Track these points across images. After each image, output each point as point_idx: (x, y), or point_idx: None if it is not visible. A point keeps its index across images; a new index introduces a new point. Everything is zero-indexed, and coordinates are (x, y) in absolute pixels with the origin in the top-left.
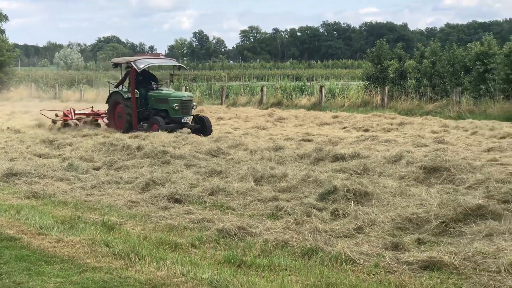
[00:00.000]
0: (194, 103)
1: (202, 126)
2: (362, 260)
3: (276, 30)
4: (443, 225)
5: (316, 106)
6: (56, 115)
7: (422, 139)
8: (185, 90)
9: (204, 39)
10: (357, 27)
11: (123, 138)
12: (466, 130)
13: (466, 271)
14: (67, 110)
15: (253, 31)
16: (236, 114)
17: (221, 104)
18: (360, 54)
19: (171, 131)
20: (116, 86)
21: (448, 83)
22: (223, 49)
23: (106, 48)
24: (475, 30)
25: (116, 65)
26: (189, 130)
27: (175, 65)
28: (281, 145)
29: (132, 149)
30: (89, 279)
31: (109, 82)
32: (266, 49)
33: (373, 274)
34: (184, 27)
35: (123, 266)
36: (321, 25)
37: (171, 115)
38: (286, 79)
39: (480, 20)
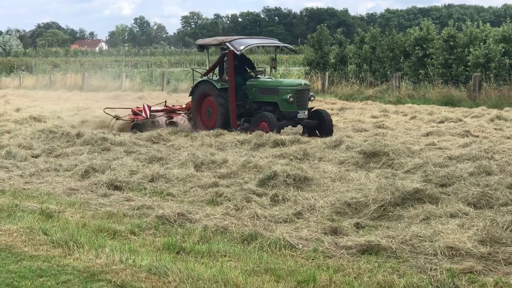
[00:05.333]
0: (312, 93)
1: (320, 123)
2: (301, 245)
3: (217, 16)
4: (382, 209)
5: None
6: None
7: (362, 124)
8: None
9: (145, 25)
10: (298, 12)
11: (63, 125)
12: (406, 115)
13: (403, 254)
14: (137, 107)
15: (194, 16)
16: (177, 100)
17: (162, 90)
18: (301, 39)
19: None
20: (205, 74)
21: (388, 68)
22: (164, 35)
23: (46, 34)
24: (414, 15)
25: (202, 47)
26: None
27: (278, 46)
28: (222, 131)
29: (71, 136)
30: (27, 267)
31: (193, 70)
32: (207, 35)
33: (312, 259)
34: (125, 13)
35: (61, 254)
36: (262, 10)
37: (283, 109)
38: None
39: (419, 5)
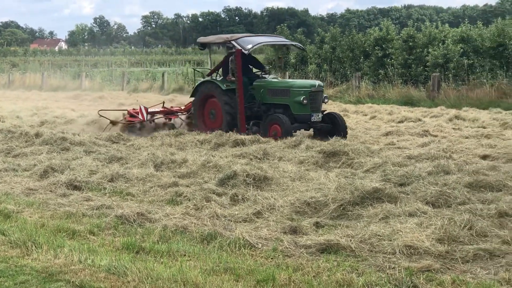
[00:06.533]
0: (325, 95)
1: (333, 126)
2: (260, 245)
3: (177, 16)
4: (341, 208)
5: None
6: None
7: None
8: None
9: (105, 24)
10: (259, 12)
11: (21, 125)
12: (366, 115)
13: (362, 253)
14: (133, 109)
15: (155, 16)
16: (137, 100)
17: (122, 90)
18: None
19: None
20: (209, 75)
21: (348, 68)
22: (124, 35)
23: (4, 34)
24: (374, 16)
25: (203, 45)
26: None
27: (285, 45)
28: (181, 130)
29: (30, 136)
30: None
31: (194, 69)
32: (168, 35)
33: (271, 258)
34: (85, 12)
35: (19, 255)
36: (222, 10)
37: (295, 112)
38: (188, 65)
39: (379, 6)
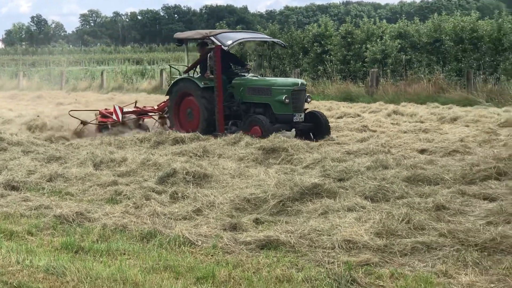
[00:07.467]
0: (308, 94)
1: (316, 126)
2: (200, 242)
3: (116, 14)
4: (280, 204)
5: (157, 90)
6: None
7: None
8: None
9: (42, 23)
10: (198, 10)
11: None
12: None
13: (302, 248)
14: (106, 109)
15: (93, 15)
16: (76, 99)
17: (61, 89)
18: None
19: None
20: (186, 72)
21: (287, 64)
22: (62, 34)
23: None
24: (313, 12)
25: (181, 41)
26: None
27: (267, 42)
28: (122, 129)
29: None
30: None
31: (171, 66)
32: (106, 33)
33: (211, 255)
34: (22, 11)
35: None
36: (161, 8)
37: (276, 112)
38: (127, 63)
39: (318, 2)
